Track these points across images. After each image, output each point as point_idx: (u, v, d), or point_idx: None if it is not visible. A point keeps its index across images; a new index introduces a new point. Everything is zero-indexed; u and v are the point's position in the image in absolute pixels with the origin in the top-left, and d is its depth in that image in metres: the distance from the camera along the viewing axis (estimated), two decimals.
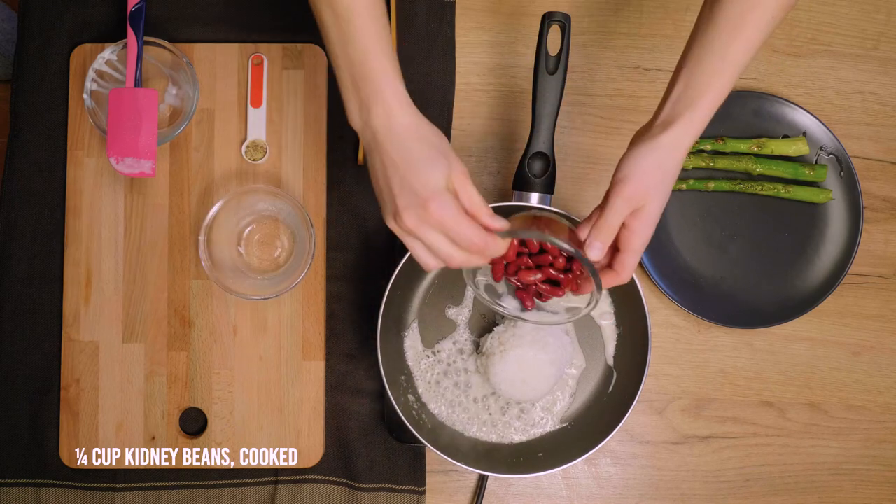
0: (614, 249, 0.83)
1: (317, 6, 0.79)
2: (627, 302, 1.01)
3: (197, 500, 1.05)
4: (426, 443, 0.96)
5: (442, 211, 0.76)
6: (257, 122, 1.07)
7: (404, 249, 0.95)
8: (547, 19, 0.95)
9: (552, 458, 0.99)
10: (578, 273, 0.87)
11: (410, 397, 1.02)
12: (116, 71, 1.04)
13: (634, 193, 0.80)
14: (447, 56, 1.11)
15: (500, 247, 0.79)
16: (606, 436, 0.96)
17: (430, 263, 0.80)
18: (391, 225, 0.79)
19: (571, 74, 1.08)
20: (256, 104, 1.07)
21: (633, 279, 0.96)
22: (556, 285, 0.87)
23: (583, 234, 0.83)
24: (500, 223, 0.79)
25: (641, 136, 0.84)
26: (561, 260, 0.86)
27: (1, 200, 1.07)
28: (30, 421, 1.05)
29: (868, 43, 1.15)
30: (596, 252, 0.81)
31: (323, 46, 1.09)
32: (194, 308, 1.06)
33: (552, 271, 0.87)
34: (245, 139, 1.07)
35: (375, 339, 0.96)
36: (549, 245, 0.86)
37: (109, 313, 1.05)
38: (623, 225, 0.81)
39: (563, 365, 0.99)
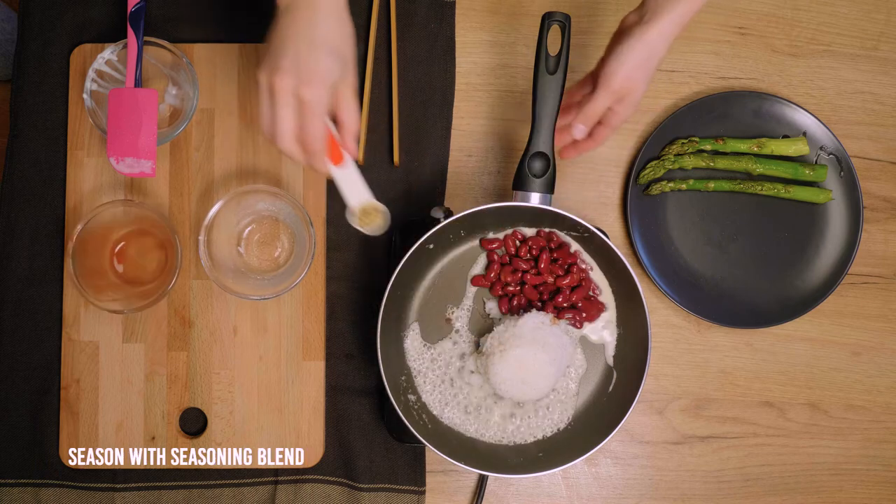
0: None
1: None
2: (627, 302, 1.01)
3: (197, 500, 1.05)
4: (426, 443, 0.96)
5: (313, 98, 0.80)
6: (353, 183, 0.93)
7: (405, 249, 0.96)
8: (547, 19, 0.95)
9: (552, 458, 0.98)
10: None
11: (411, 397, 1.02)
12: (116, 71, 1.04)
13: (621, 87, 0.89)
14: (447, 56, 1.11)
15: (321, 166, 0.86)
16: (606, 436, 0.96)
17: (267, 126, 0.83)
18: (261, 77, 0.81)
19: (571, 74, 1.08)
20: (338, 161, 0.91)
21: (633, 279, 0.96)
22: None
23: (568, 118, 0.95)
24: (353, 149, 0.88)
25: (628, 29, 0.90)
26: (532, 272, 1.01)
27: (1, 200, 1.08)
28: (30, 421, 1.05)
29: (868, 43, 1.15)
30: (579, 133, 0.94)
31: None
32: (194, 308, 1.06)
33: (529, 276, 1.01)
34: (352, 205, 0.95)
35: (375, 339, 0.96)
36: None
37: (109, 313, 1.05)
38: (610, 106, 0.91)
39: (562, 365, 0.99)
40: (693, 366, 1.10)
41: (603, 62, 0.91)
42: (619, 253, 0.97)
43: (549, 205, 0.97)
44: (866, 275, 1.12)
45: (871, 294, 1.12)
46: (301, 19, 0.80)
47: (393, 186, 1.09)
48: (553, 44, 0.95)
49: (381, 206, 0.94)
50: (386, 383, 0.96)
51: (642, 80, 0.90)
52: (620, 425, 0.96)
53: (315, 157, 0.84)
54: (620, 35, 0.91)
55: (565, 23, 0.95)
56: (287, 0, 0.82)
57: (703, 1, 0.88)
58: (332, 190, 1.09)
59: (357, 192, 0.93)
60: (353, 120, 0.85)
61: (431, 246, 1.00)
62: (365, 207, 0.93)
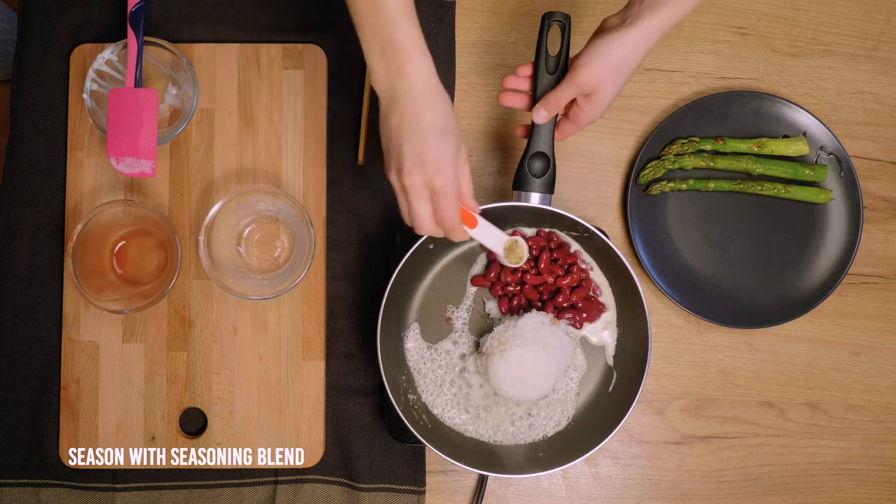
0: (564, 116, 0.96)
1: None
2: (628, 302, 1.01)
3: (197, 500, 1.05)
4: (426, 443, 0.96)
5: (444, 185, 0.84)
6: (489, 233, 0.96)
7: (405, 249, 0.96)
8: (547, 19, 0.95)
9: (552, 458, 0.98)
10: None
11: (411, 397, 1.02)
12: (116, 71, 1.04)
13: (585, 82, 0.89)
14: (447, 56, 1.11)
15: (462, 235, 0.90)
16: (606, 436, 0.96)
17: (406, 219, 0.88)
18: (392, 178, 0.86)
19: None
20: (472, 224, 0.94)
21: (633, 279, 0.96)
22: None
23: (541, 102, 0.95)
24: (476, 208, 0.92)
25: (609, 27, 0.90)
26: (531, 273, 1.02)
27: (1, 200, 1.07)
28: (30, 421, 1.05)
29: (868, 43, 1.15)
30: (539, 117, 0.94)
31: (323, 46, 1.09)
32: (194, 308, 1.06)
33: (529, 276, 1.02)
34: (497, 251, 0.99)
35: (375, 338, 0.96)
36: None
37: (109, 313, 1.05)
38: (576, 102, 0.93)
39: (562, 365, 0.99)
40: (693, 366, 1.10)
41: (576, 56, 0.92)
42: (620, 253, 0.97)
43: (549, 205, 0.97)
44: (866, 275, 1.12)
45: (871, 294, 1.12)
46: (407, 112, 0.82)
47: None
48: (553, 44, 0.95)
49: (517, 238, 0.99)
50: (386, 383, 0.96)
51: (611, 80, 0.89)
52: (620, 425, 0.96)
53: (454, 232, 0.89)
54: (598, 34, 0.91)
55: (565, 23, 0.95)
56: (387, 96, 0.83)
57: (686, 10, 0.88)
58: (332, 190, 1.09)
59: (496, 238, 0.97)
60: (469, 186, 0.88)
61: (431, 246, 1.00)
62: (507, 245, 0.98)
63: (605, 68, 0.89)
